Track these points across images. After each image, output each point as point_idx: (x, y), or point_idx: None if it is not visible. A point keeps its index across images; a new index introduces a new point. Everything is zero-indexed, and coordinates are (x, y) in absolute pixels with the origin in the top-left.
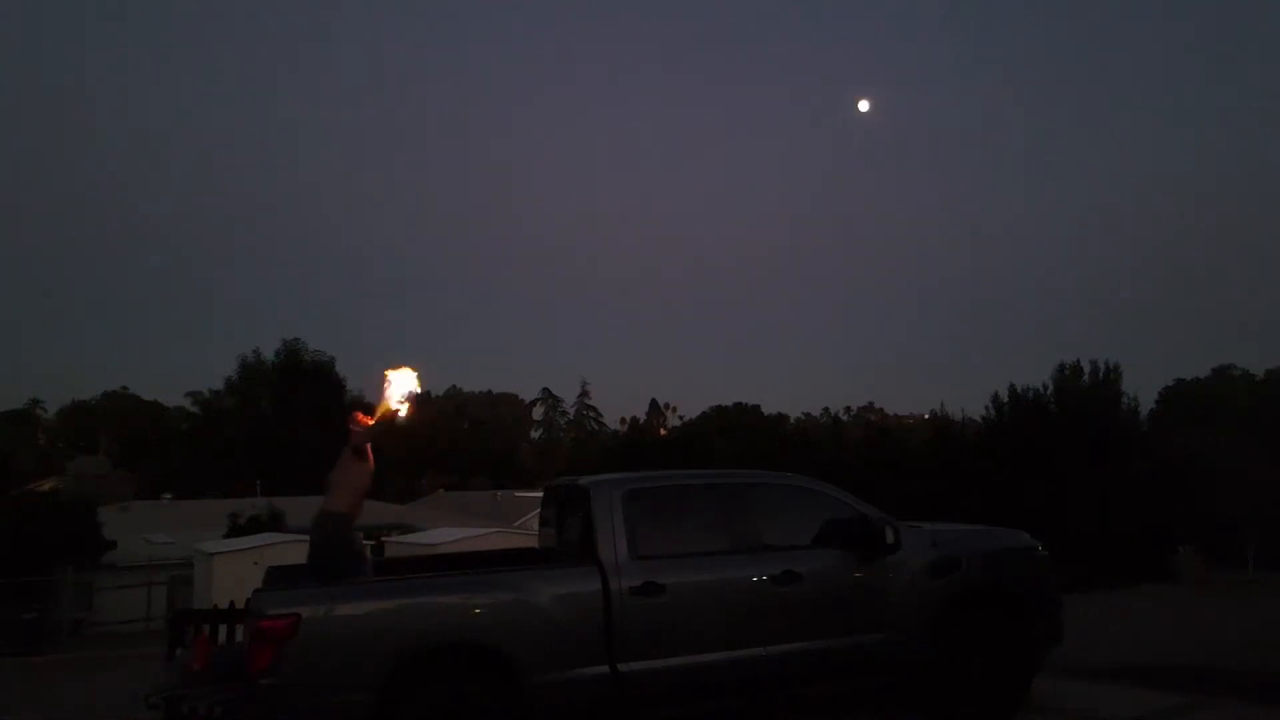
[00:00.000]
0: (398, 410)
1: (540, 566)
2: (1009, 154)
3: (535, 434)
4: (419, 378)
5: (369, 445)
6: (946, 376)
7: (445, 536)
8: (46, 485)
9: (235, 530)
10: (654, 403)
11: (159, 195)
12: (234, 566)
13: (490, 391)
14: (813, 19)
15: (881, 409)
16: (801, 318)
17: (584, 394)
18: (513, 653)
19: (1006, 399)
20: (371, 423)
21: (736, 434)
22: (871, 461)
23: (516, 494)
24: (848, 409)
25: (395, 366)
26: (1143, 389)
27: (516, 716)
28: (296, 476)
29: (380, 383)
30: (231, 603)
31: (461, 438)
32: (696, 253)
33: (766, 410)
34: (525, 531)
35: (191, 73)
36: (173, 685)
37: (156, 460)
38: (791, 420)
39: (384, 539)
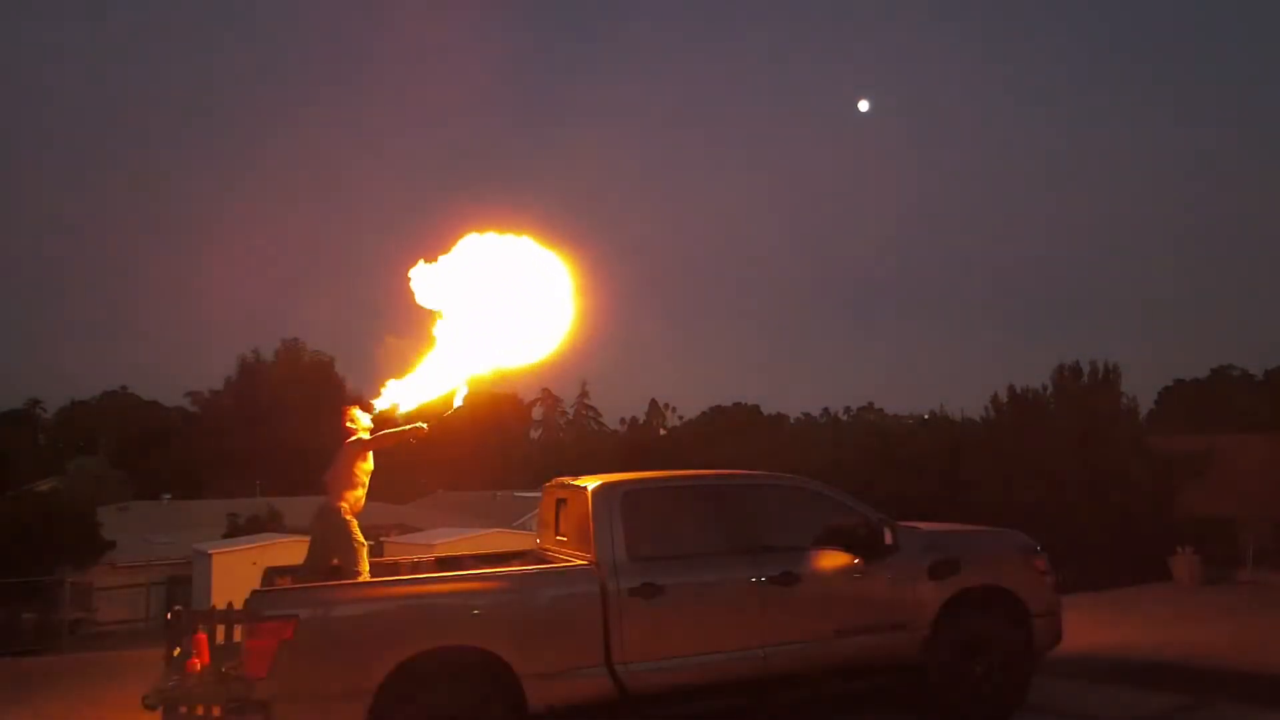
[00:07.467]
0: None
1: (539, 567)
2: (1009, 153)
3: (535, 434)
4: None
5: (369, 441)
6: (946, 376)
7: (444, 536)
8: (46, 485)
9: (235, 530)
10: (654, 403)
11: (159, 195)
12: (233, 566)
13: (490, 392)
14: (811, 18)
15: (881, 409)
16: (801, 318)
17: (584, 394)
18: (511, 654)
19: (1006, 399)
20: (370, 422)
21: (736, 434)
22: (871, 461)
23: (516, 494)
24: (847, 409)
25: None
26: (1143, 389)
27: (515, 717)
28: (296, 476)
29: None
30: (230, 603)
31: (462, 438)
32: (695, 252)
33: (766, 410)
34: (525, 531)
35: (191, 69)
36: (172, 685)
37: (156, 460)
38: (791, 420)
39: (383, 539)
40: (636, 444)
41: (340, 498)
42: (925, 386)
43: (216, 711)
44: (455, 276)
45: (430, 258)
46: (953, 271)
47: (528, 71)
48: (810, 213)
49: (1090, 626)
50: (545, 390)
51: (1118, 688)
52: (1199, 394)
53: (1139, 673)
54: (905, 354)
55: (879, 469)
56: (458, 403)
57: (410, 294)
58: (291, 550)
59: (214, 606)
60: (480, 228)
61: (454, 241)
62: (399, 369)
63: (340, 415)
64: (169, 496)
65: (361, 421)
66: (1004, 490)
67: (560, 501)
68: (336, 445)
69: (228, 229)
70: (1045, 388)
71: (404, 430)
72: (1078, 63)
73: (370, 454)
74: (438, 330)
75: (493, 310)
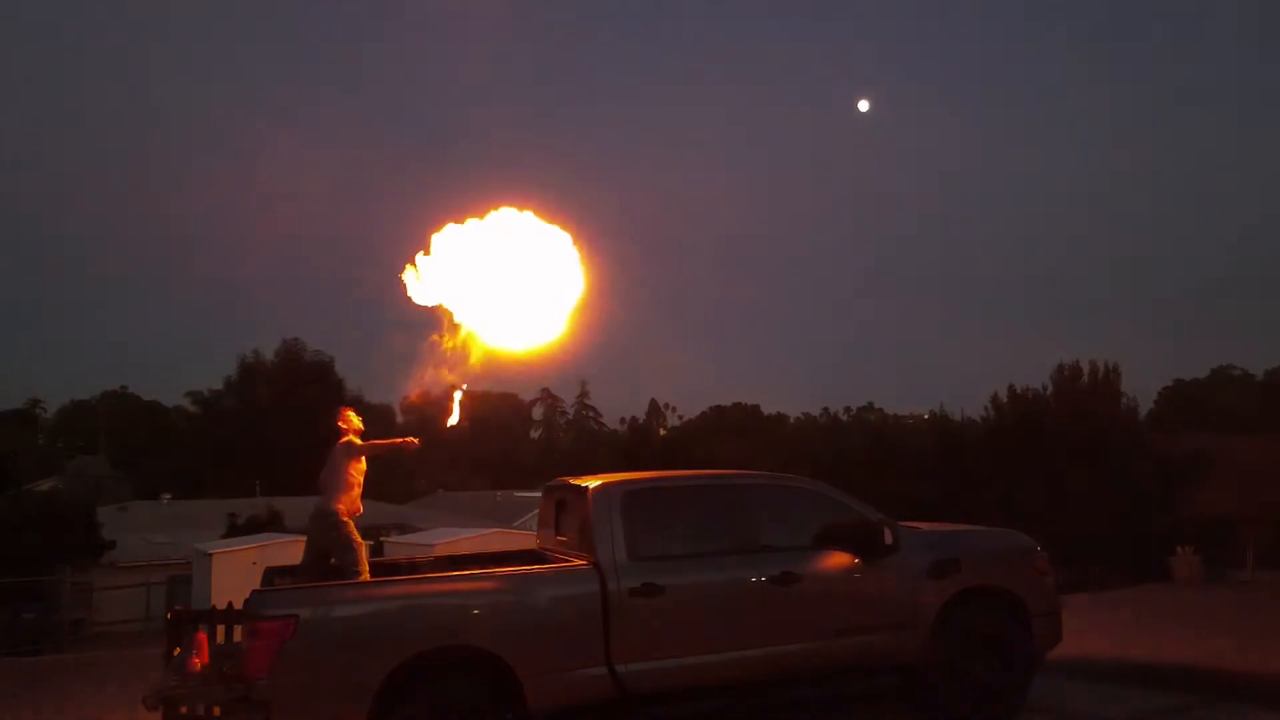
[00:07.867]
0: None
1: (539, 567)
2: (1009, 153)
3: (535, 434)
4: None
5: (360, 442)
6: (946, 376)
7: (444, 536)
8: (46, 485)
9: (234, 530)
10: (654, 403)
11: (159, 194)
12: (233, 566)
13: (490, 392)
14: (811, 17)
15: (881, 409)
16: (801, 318)
17: (584, 394)
18: (511, 654)
19: (1006, 399)
20: (360, 425)
21: (736, 434)
22: (871, 461)
23: (516, 494)
24: (847, 409)
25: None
26: (1143, 389)
27: (515, 718)
28: (296, 477)
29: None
30: (230, 603)
31: (461, 438)
32: (695, 252)
33: (766, 410)
34: (525, 531)
35: (191, 70)
36: (172, 685)
37: (156, 460)
38: (791, 420)
39: (383, 539)
40: (636, 444)
41: (336, 499)
42: (925, 386)
43: (216, 711)
44: (447, 270)
45: (426, 253)
46: (953, 271)
47: (526, 71)
48: (811, 212)
49: (1090, 626)
50: (545, 390)
51: (1118, 688)
52: (1199, 394)
53: (1139, 673)
54: (905, 354)
55: (879, 469)
56: (453, 420)
57: (407, 296)
58: (291, 550)
59: (214, 606)
60: (460, 219)
61: (448, 234)
62: (400, 369)
63: (334, 415)
64: (169, 496)
65: (355, 422)
66: (1004, 490)
67: (560, 502)
68: (330, 445)
69: (228, 229)
70: (1045, 388)
71: (397, 441)
72: (1079, 63)
73: (364, 457)
74: (436, 327)
75: (491, 294)
